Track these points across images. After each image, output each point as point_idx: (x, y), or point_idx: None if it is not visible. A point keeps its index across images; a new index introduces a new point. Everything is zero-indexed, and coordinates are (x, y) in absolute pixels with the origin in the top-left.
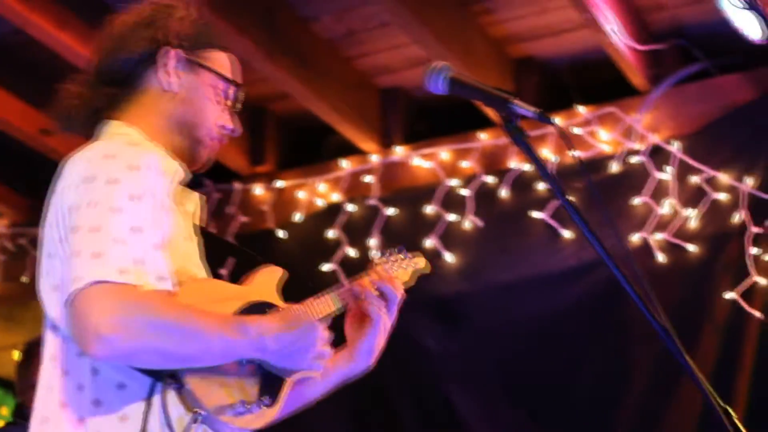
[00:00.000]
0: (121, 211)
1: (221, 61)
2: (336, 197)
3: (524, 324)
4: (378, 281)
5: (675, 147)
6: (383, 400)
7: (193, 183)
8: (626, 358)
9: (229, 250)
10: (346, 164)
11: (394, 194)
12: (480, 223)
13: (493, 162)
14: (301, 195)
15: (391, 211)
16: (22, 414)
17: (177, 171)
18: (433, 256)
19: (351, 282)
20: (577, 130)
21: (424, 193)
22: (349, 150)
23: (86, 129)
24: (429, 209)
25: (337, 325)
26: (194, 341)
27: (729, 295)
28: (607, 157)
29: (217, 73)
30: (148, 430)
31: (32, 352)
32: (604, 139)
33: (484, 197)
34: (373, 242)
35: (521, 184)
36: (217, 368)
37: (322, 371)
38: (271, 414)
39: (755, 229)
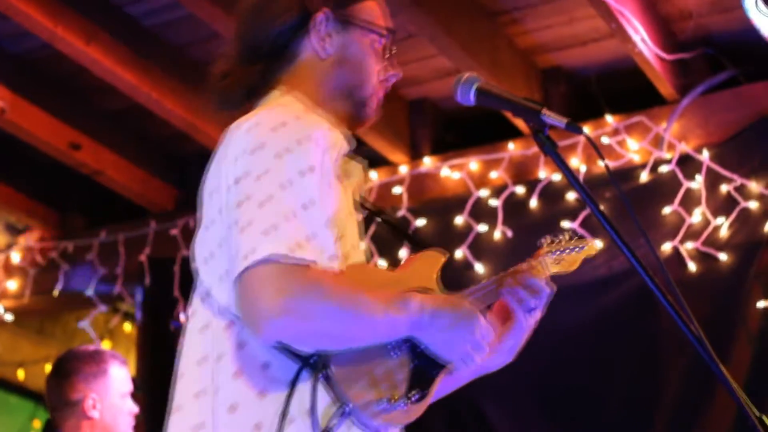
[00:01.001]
0: (291, 185)
1: (368, 10)
2: None
3: (555, 334)
4: (528, 277)
5: (704, 156)
6: None
7: None
8: (659, 367)
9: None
10: (375, 176)
11: (423, 205)
12: (510, 233)
13: (522, 172)
14: None
15: (420, 222)
16: (52, 430)
17: (342, 142)
18: (464, 267)
19: (499, 277)
20: (605, 140)
21: (454, 203)
22: (378, 161)
23: (243, 107)
24: (459, 220)
25: None
26: (362, 323)
27: (761, 304)
28: (636, 166)
29: (367, 27)
30: (289, 414)
31: (63, 368)
32: (633, 149)
33: (514, 207)
34: (403, 253)
35: (551, 194)
36: (366, 360)
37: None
38: (418, 410)
39: None
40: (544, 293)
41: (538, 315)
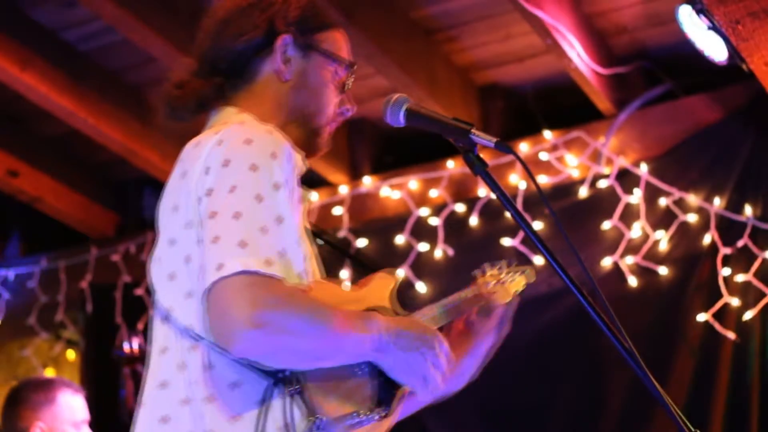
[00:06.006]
0: (265, 198)
1: (332, 40)
2: None
3: (497, 351)
4: (486, 296)
5: (643, 170)
6: None
7: None
8: (600, 383)
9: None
10: (315, 197)
11: (364, 225)
12: (451, 251)
13: (462, 190)
14: None
15: (361, 242)
16: None
17: (302, 163)
18: (405, 287)
19: (458, 297)
20: (544, 156)
21: (394, 223)
22: (318, 182)
23: (192, 118)
24: (399, 239)
25: None
26: (331, 340)
27: (702, 317)
28: (575, 181)
29: (330, 55)
30: None
31: (17, 397)
32: (572, 164)
33: (454, 226)
34: (344, 274)
35: (491, 211)
36: (334, 375)
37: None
38: (385, 426)
39: (725, 250)
40: (503, 315)
41: (494, 337)
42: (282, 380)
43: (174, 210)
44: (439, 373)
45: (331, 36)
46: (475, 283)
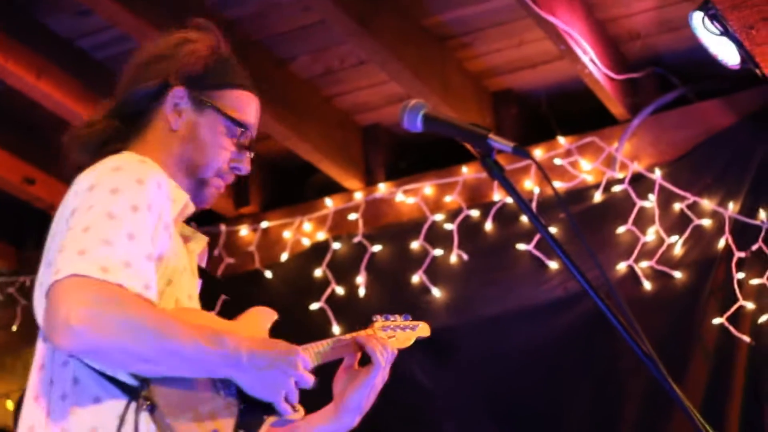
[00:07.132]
0: (117, 217)
1: (232, 99)
2: (321, 236)
3: (513, 356)
4: (379, 340)
5: (656, 174)
6: None
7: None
8: (617, 387)
9: (226, 292)
10: (330, 202)
11: (379, 231)
12: (466, 256)
13: (476, 195)
14: (287, 234)
15: (377, 248)
16: None
17: (186, 203)
18: (421, 292)
19: (350, 336)
20: (558, 161)
21: (409, 228)
22: (333, 188)
23: (95, 159)
24: (414, 245)
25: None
26: (166, 344)
27: (717, 321)
28: (589, 186)
29: (223, 114)
30: None
31: None
32: (586, 169)
33: (469, 231)
34: (360, 279)
35: (505, 216)
36: (192, 395)
37: (294, 414)
38: None
39: (740, 254)
40: (390, 359)
41: (385, 376)
42: (138, 397)
43: (53, 236)
44: (302, 382)
45: (232, 95)
46: (372, 327)
